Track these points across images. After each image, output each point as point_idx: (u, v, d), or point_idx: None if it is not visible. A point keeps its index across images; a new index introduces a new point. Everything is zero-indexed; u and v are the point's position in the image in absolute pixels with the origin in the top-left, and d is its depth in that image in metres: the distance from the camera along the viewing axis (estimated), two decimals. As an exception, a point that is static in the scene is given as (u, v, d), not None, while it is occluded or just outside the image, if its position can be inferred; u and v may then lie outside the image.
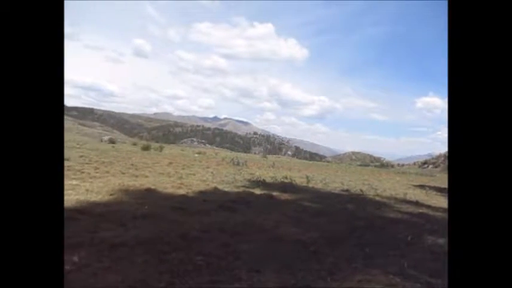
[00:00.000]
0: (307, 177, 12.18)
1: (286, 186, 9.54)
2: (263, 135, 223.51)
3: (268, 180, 11.05)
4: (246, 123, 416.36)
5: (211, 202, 6.22)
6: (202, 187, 8.28)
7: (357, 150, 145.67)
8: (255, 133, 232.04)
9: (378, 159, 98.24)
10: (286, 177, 12.14)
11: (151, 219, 4.52)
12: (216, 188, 8.29)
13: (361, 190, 10.17)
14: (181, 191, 7.40)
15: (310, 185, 10.60)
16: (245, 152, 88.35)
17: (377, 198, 8.81)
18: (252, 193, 7.79)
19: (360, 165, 53.44)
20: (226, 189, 8.28)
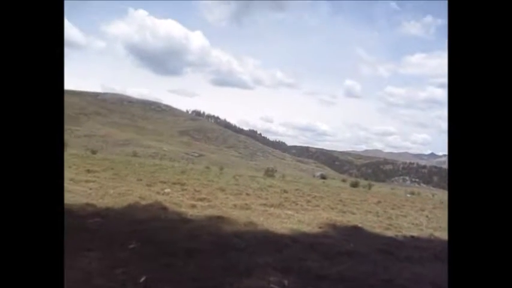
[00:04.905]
0: None
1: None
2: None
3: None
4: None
5: (425, 250, 5.49)
6: (414, 231, 7.47)
7: None
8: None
9: None
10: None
11: (356, 258, 4.46)
12: (431, 235, 7.28)
13: None
14: (390, 233, 6.94)
15: None
16: (473, 196, 73.39)
17: None
18: (482, 247, 6.32)
19: None
20: (444, 238, 7.11)
